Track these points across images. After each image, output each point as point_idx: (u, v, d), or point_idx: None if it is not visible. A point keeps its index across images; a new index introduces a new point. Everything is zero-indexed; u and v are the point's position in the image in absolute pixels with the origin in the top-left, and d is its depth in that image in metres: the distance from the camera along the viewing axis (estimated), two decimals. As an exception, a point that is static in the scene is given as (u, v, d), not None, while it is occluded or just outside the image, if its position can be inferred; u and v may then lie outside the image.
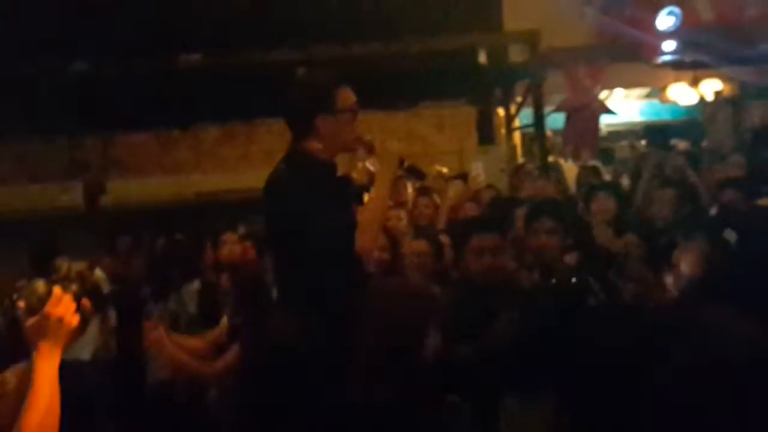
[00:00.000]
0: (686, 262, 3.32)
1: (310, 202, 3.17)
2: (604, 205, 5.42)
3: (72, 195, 9.60)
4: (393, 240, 4.74)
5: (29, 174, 9.74)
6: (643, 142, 10.65)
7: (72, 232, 7.83)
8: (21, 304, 2.36)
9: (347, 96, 3.30)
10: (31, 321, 2.28)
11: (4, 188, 9.57)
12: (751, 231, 2.94)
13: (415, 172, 3.56)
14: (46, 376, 2.30)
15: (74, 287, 2.46)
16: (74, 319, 2.36)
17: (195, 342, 5.01)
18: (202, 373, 4.63)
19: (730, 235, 3.00)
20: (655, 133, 11.45)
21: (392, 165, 3.37)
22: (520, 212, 5.87)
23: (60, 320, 2.33)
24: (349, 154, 3.52)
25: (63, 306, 2.34)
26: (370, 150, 3.36)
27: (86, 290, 2.64)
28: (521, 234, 5.52)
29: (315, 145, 3.26)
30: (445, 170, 6.67)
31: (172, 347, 4.54)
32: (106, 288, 6.31)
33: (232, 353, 4.30)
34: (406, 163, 3.44)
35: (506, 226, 5.77)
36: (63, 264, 6.20)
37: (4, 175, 9.73)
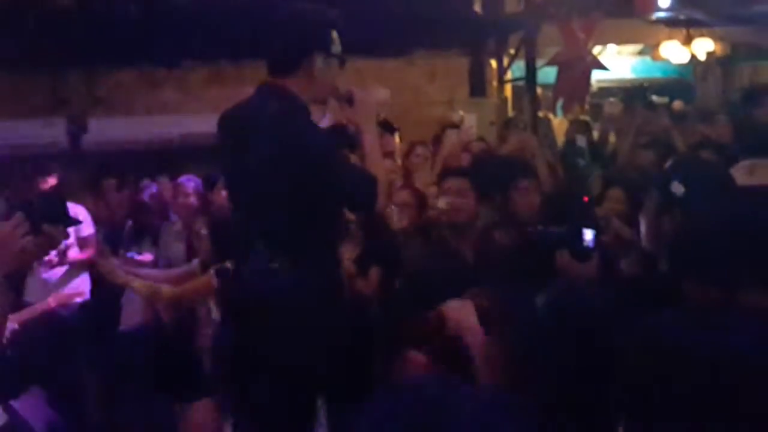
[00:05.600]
0: (643, 218, 3.33)
1: (330, 146, 2.99)
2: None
3: (54, 131, 9.42)
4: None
5: (11, 109, 9.56)
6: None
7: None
8: None
9: (338, 41, 3.12)
10: None
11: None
12: (696, 186, 2.85)
13: (387, 127, 3.41)
14: None
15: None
16: (18, 242, 2.02)
17: (159, 274, 5.15)
18: (168, 295, 4.69)
19: (678, 189, 2.92)
20: (637, 90, 11.44)
21: (374, 114, 3.22)
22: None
23: None
24: (320, 104, 3.31)
25: (5, 226, 2.00)
26: (350, 101, 3.13)
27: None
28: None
29: (294, 86, 3.02)
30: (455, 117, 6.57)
31: (126, 275, 4.55)
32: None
33: (204, 279, 4.39)
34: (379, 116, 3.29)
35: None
36: None
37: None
